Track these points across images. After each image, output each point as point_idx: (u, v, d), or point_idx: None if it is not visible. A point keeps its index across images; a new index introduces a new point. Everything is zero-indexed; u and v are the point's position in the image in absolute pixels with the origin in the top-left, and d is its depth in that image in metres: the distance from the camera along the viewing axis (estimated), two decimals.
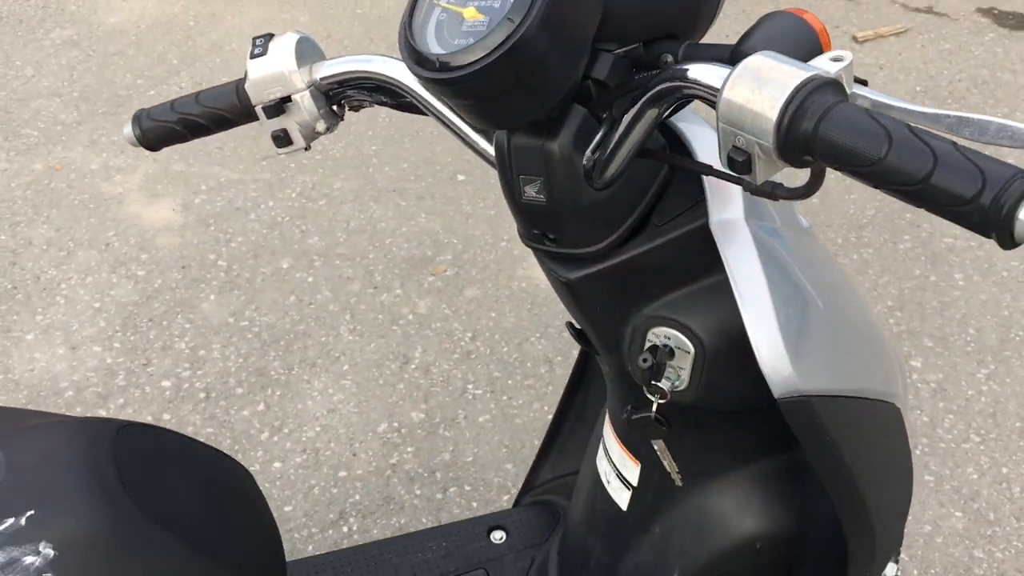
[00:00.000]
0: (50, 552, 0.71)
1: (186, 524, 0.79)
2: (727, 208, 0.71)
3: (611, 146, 0.67)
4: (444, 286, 2.21)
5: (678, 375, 0.77)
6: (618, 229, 0.72)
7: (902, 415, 0.93)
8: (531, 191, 0.70)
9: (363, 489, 1.78)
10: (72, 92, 2.95)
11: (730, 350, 0.76)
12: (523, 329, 2.10)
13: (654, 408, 0.78)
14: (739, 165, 0.56)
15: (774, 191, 0.60)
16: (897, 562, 1.40)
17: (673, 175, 0.73)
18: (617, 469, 1.03)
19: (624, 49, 0.65)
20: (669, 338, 0.76)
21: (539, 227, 0.73)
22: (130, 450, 0.81)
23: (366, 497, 1.77)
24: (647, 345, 0.76)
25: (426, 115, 0.82)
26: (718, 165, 0.62)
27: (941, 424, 1.86)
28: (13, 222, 2.44)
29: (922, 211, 2.10)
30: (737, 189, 0.71)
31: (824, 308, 0.77)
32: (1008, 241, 0.48)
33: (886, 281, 2.19)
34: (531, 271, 2.24)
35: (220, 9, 3.38)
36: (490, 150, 0.78)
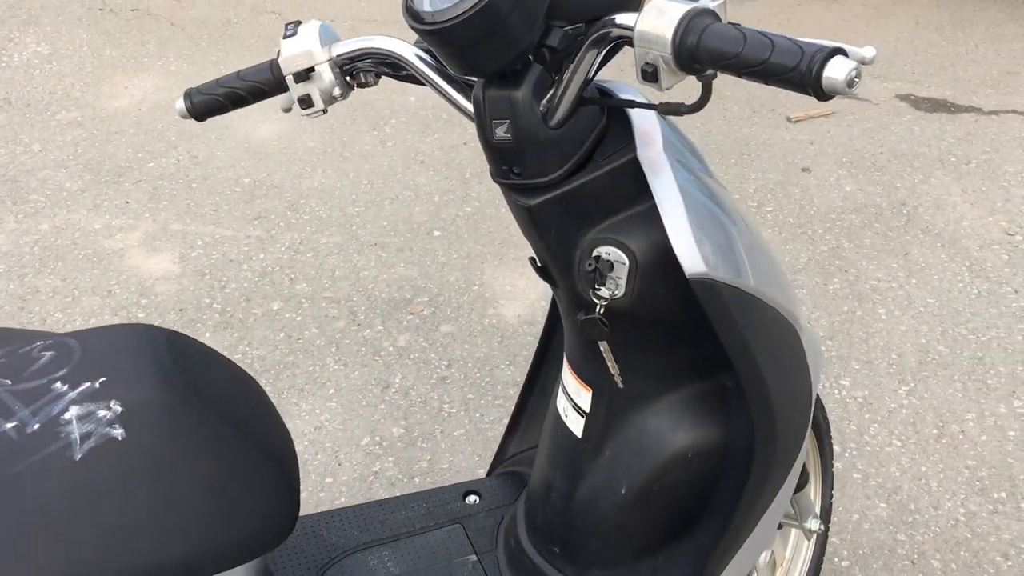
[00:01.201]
0: (118, 408, 0.90)
1: (223, 407, 0.99)
2: (650, 145, 0.96)
3: (560, 91, 0.91)
4: (422, 323, 2.43)
5: (617, 284, 1.00)
6: (568, 162, 0.96)
7: (801, 341, 1.15)
8: (500, 132, 0.94)
9: (348, 492, 1.95)
10: (77, 164, 3.20)
11: (656, 263, 0.99)
12: (494, 358, 2.31)
13: (599, 310, 1.01)
14: (649, 75, 0.81)
15: (679, 108, 0.85)
16: (827, 527, 1.60)
17: (610, 122, 0.98)
18: (573, 401, 1.24)
19: (572, 27, 0.91)
20: (609, 253, 0.99)
21: (507, 163, 0.96)
22: (179, 345, 1.01)
23: (351, 499, 1.93)
24: (592, 255, 0.99)
25: (423, 84, 1.06)
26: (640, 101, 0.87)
27: (867, 431, 2.08)
28: (21, 273, 2.64)
29: (849, 257, 2.37)
30: (657, 131, 0.96)
31: (727, 223, 1.01)
32: (821, 94, 0.72)
33: (818, 316, 2.44)
34: (501, 310, 2.47)
35: None
36: (469, 106, 1.02)
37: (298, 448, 2.05)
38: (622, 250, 0.99)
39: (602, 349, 1.07)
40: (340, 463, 2.02)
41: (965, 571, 1.77)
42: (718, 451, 1.19)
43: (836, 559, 1.80)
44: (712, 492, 1.21)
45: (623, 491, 1.22)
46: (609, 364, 1.09)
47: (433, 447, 2.06)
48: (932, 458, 2.02)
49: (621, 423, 1.20)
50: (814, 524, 1.49)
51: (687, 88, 2.74)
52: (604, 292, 1.00)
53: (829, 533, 1.65)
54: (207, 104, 1.12)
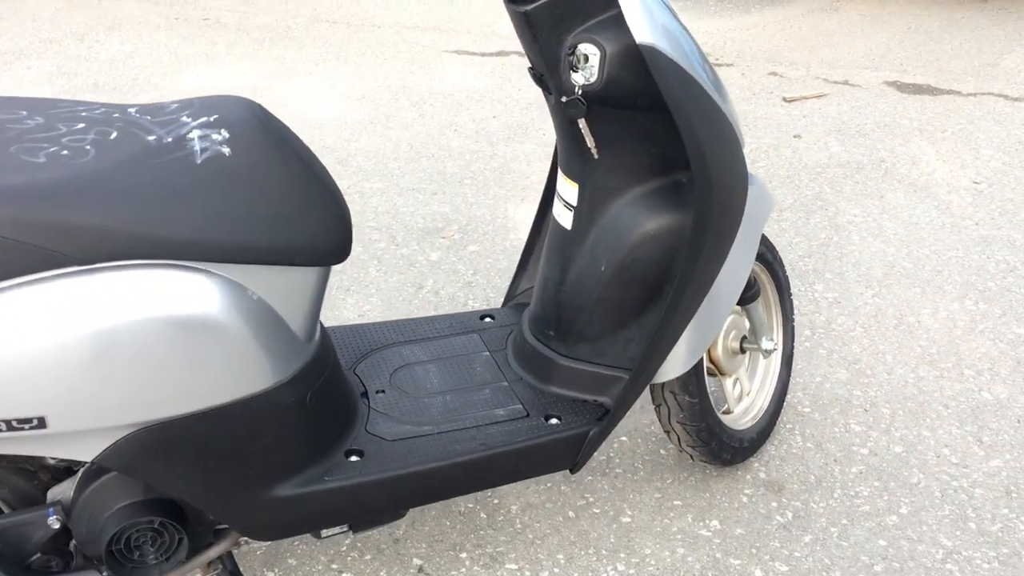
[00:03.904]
0: (226, 134, 1.27)
1: (298, 150, 1.34)
2: None
3: None
4: (451, 245, 2.80)
5: (591, 72, 1.37)
6: None
7: (737, 137, 1.48)
8: None
9: None
10: None
11: (620, 56, 1.35)
12: (513, 269, 2.67)
13: (577, 91, 1.37)
14: None
15: None
16: (777, 345, 1.92)
17: None
18: (563, 199, 1.59)
19: None
20: (586, 47, 1.36)
21: None
22: (268, 113, 1.38)
23: None
24: (572, 49, 1.36)
25: None
26: None
27: (835, 321, 2.39)
28: None
29: (830, 199, 2.70)
30: None
31: (681, 38, 1.37)
32: None
33: (799, 240, 2.78)
34: (521, 235, 2.84)
35: (278, 81, 4.15)
36: None
37: None
38: (595, 45, 1.36)
39: (581, 127, 1.43)
40: None
41: (910, 417, 2.07)
42: (676, 233, 1.53)
43: (799, 407, 2.11)
44: (671, 268, 1.55)
45: (603, 269, 1.57)
46: (587, 139, 1.44)
47: None
48: (889, 339, 2.33)
49: (601, 211, 1.55)
50: (768, 344, 1.81)
51: None
52: (580, 78, 1.37)
53: (791, 385, 1.95)
54: None
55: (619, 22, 1.35)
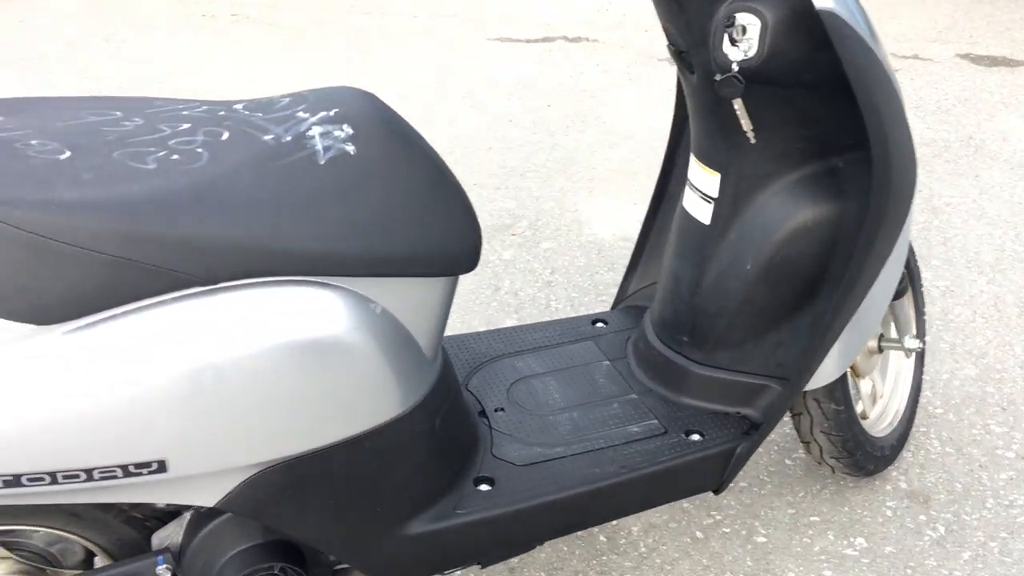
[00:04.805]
0: (350, 130, 1.11)
1: (426, 148, 1.19)
2: None
3: None
4: (523, 242, 2.64)
5: (750, 45, 1.20)
6: None
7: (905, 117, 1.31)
8: None
9: None
10: None
11: (783, 24, 1.19)
12: (593, 266, 2.51)
13: (734, 67, 1.21)
14: None
15: None
16: (923, 342, 1.75)
17: None
18: (700, 191, 1.43)
19: None
20: (743, 18, 1.19)
21: None
22: (387, 105, 1.22)
23: None
24: (728, 20, 1.19)
25: None
26: None
27: (951, 312, 2.22)
28: None
29: (922, 180, 2.51)
30: None
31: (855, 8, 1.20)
32: None
33: None
34: (596, 230, 2.67)
35: (315, 76, 3.99)
36: None
37: None
38: (755, 14, 1.19)
39: (736, 108, 1.27)
40: None
41: None
42: (832, 224, 1.37)
43: (930, 408, 1.94)
44: (828, 263, 1.39)
45: (748, 267, 1.40)
46: (743, 122, 1.28)
47: None
48: (1013, 330, 2.15)
49: (746, 202, 1.39)
50: (913, 343, 1.64)
51: None
52: (738, 52, 1.21)
53: (923, 388, 1.79)
54: None
55: None
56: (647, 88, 3.75)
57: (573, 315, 2.29)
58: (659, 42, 4.27)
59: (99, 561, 1.23)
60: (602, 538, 1.66)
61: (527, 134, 3.32)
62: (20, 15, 4.72)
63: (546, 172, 3.03)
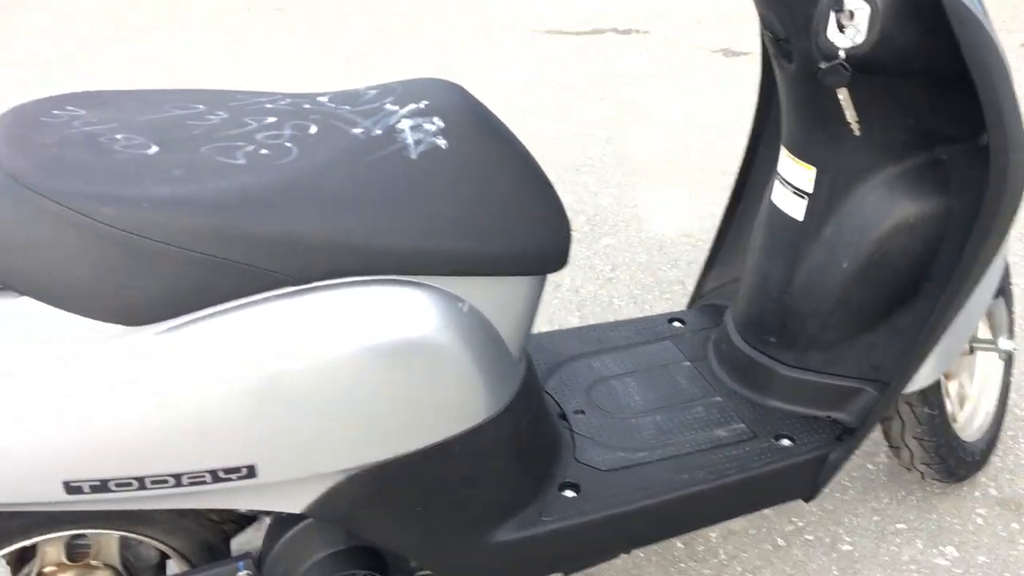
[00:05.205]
0: (441, 123, 1.07)
1: (516, 142, 1.14)
2: None
3: None
4: (582, 238, 2.59)
5: (858, 31, 1.13)
6: None
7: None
8: None
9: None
10: None
11: (895, 8, 1.12)
12: (655, 263, 2.45)
13: (841, 55, 1.14)
14: None
15: None
16: (1011, 338, 1.67)
17: None
18: (792, 186, 1.37)
19: None
20: (853, 3, 1.13)
21: None
22: (475, 97, 1.18)
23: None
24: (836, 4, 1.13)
25: None
26: None
27: None
28: None
29: None
30: None
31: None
32: None
33: None
34: (657, 226, 2.61)
35: (363, 70, 3.97)
36: None
37: None
38: None
39: (841, 98, 1.20)
40: None
41: None
42: (936, 220, 1.30)
43: (1016, 410, 1.86)
44: (930, 261, 1.32)
45: (844, 265, 1.34)
46: (847, 112, 1.22)
47: None
48: None
49: (843, 197, 1.32)
50: (1008, 344, 1.57)
51: None
52: (846, 39, 1.14)
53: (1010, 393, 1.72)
54: None
55: None
56: (702, 82, 3.67)
57: (637, 313, 2.24)
58: (712, 35, 4.19)
59: (172, 565, 1.21)
60: (679, 544, 1.61)
61: (580, 127, 3.26)
62: (57, 7, 4.75)
63: (602, 167, 2.97)
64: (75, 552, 1.16)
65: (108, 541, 1.16)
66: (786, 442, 1.36)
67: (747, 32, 4.18)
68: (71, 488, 0.94)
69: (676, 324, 1.64)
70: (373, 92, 1.13)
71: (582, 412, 1.41)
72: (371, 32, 4.40)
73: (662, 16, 4.47)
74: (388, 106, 1.09)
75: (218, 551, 1.19)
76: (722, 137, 3.11)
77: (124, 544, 1.19)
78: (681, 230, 2.59)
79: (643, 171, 2.93)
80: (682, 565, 1.57)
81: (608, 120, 3.32)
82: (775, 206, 1.41)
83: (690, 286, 2.34)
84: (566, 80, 3.71)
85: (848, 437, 1.36)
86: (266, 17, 4.68)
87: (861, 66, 1.16)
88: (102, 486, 0.94)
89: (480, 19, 4.55)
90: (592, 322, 2.20)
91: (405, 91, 1.12)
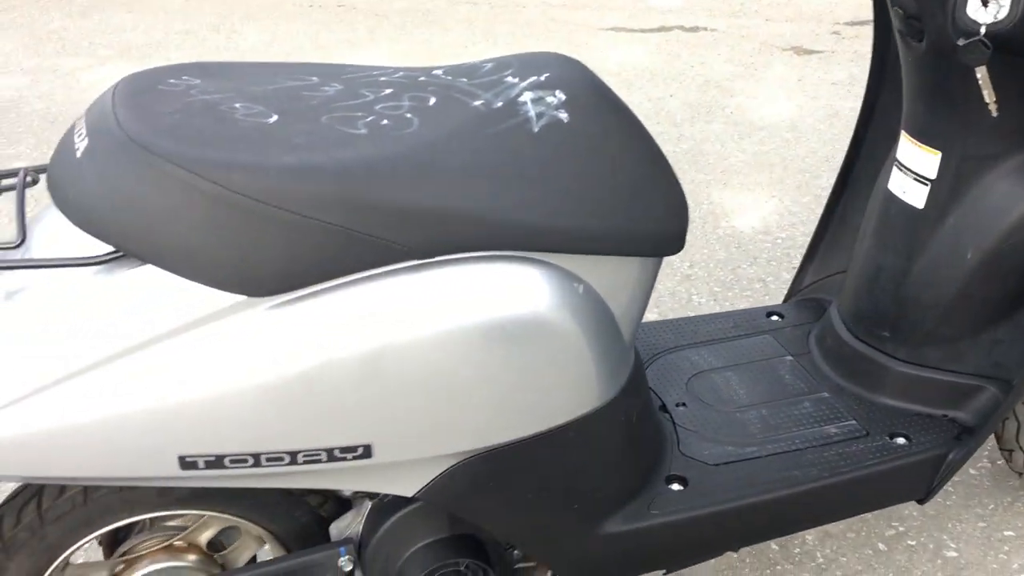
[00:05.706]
0: (562, 96, 1.03)
1: (637, 120, 1.10)
2: None
3: None
4: None
5: (1000, 6, 1.07)
6: None
7: None
8: None
9: None
10: None
11: None
12: (734, 259, 2.39)
13: (982, 31, 1.08)
14: None
15: None
16: None
17: None
18: (913, 172, 1.31)
19: None
20: None
21: None
22: (594, 73, 1.14)
23: None
24: None
25: None
26: None
27: None
28: None
29: None
30: None
31: None
32: None
33: None
34: (734, 223, 2.55)
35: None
36: None
37: None
38: None
39: (979, 77, 1.14)
40: None
41: None
42: None
43: None
44: None
45: (968, 256, 1.27)
46: (986, 93, 1.15)
47: None
48: None
49: (969, 185, 1.26)
50: None
51: None
52: (988, 15, 1.08)
53: None
54: None
55: None
56: (772, 78, 3.59)
57: (718, 310, 2.18)
58: (782, 32, 4.11)
59: (268, 549, 1.18)
60: (774, 546, 1.55)
61: (650, 125, 3.20)
62: (129, 5, 4.82)
63: (676, 164, 2.91)
64: (167, 533, 1.14)
65: (203, 523, 1.14)
66: (901, 440, 1.30)
67: (817, 30, 4.09)
68: (186, 463, 0.91)
69: (774, 318, 1.59)
70: (490, 65, 1.10)
71: (683, 405, 1.36)
72: (433, 33, 4.39)
73: (730, 14, 4.40)
74: (508, 79, 1.05)
75: (313, 535, 1.16)
76: (800, 137, 3.04)
77: (222, 527, 1.17)
78: (760, 227, 2.53)
79: (720, 169, 2.86)
80: (778, 568, 1.51)
81: (680, 118, 3.26)
82: (891, 193, 1.35)
83: (771, 284, 2.28)
84: (633, 79, 3.65)
85: (967, 437, 1.30)
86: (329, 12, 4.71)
87: (1002, 44, 1.10)
88: (217, 462, 0.92)
89: (542, 16, 4.52)
90: (670, 316, 2.15)
91: (523, 64, 1.08)
